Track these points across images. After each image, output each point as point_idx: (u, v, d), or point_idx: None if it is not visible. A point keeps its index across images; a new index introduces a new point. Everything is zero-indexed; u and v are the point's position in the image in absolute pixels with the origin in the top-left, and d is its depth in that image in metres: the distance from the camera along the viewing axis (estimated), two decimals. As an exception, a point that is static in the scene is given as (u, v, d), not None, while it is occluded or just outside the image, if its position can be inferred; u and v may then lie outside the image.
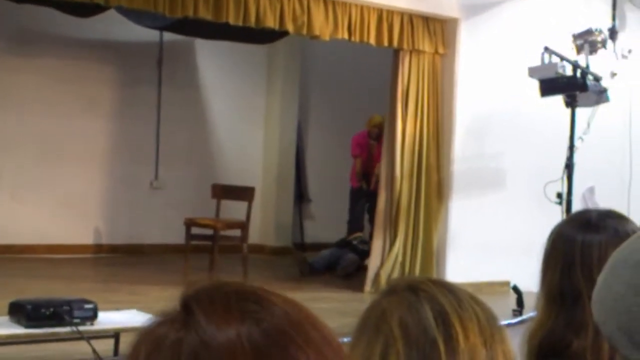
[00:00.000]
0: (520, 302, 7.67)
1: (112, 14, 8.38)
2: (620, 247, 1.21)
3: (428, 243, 8.97)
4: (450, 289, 1.34)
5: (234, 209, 9.70)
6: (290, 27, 8.14)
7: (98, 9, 8.13)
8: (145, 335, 0.92)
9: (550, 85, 7.91)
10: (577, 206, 7.75)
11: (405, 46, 8.83)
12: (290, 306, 0.94)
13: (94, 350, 4.82)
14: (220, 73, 11.15)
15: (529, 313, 6.53)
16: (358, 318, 1.36)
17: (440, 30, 9.09)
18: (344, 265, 9.85)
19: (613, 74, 9.68)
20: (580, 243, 2.07)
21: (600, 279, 1.19)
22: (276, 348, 0.89)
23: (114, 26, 9.70)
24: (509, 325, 6.38)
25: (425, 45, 8.95)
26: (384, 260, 8.82)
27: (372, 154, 10.27)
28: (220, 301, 0.92)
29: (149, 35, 10.15)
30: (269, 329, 0.90)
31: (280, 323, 0.91)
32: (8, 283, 7.82)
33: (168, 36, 10.37)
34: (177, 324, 0.91)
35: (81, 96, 10.21)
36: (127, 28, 9.54)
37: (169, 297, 0.96)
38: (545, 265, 2.13)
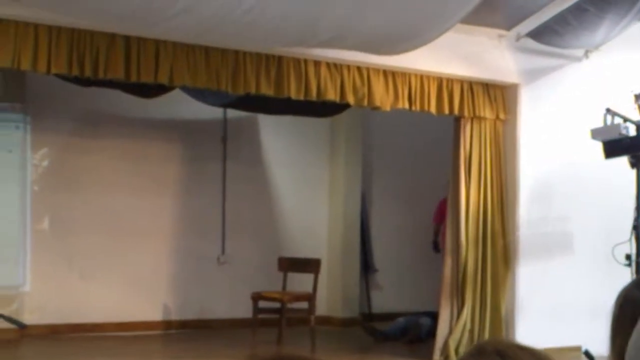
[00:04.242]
0: (593, 367, 7.51)
1: (176, 93, 8.52)
2: None
3: (496, 309, 8.86)
4: (535, 354, 1.38)
5: (301, 281, 9.72)
6: (351, 99, 8.19)
7: (163, 89, 8.22)
8: None
9: (614, 146, 7.84)
10: (647, 268, 7.63)
11: (466, 113, 8.83)
12: None
13: None
14: (283, 146, 11.27)
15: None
16: None
17: (501, 96, 9.08)
18: (415, 330, 9.78)
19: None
20: None
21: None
22: None
23: (178, 105, 9.87)
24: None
25: (486, 112, 8.95)
26: (452, 328, 8.72)
27: None
28: None
29: (213, 112, 10.32)
30: None
31: None
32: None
33: (231, 113, 10.52)
34: None
35: (148, 174, 10.38)
36: (191, 106, 9.68)
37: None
38: (615, 330, 2.11)
